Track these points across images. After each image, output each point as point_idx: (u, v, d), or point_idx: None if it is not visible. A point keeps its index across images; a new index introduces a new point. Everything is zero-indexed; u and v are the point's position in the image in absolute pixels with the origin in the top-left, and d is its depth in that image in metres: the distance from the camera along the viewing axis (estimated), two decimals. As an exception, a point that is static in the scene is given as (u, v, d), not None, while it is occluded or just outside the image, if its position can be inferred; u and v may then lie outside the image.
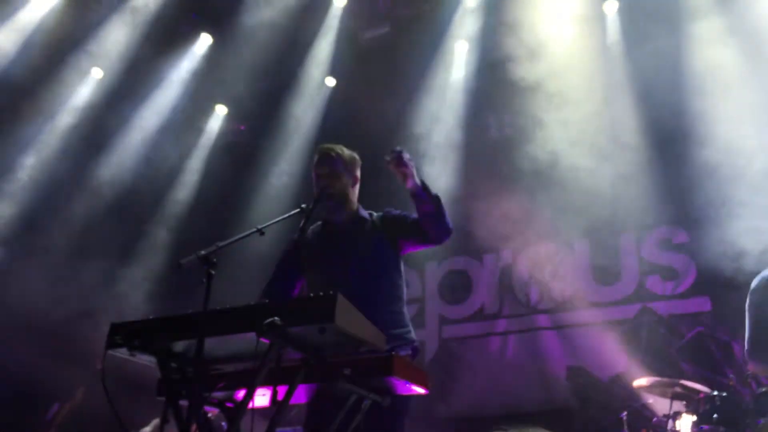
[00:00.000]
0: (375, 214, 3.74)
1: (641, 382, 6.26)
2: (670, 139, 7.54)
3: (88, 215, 8.29)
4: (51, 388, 7.49)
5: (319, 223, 3.79)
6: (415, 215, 3.58)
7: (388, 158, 3.42)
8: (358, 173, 3.76)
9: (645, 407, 6.60)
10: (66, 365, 7.16)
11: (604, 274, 8.15)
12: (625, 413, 6.22)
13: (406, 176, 3.41)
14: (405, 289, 3.65)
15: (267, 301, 2.72)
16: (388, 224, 3.66)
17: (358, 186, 3.76)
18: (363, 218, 3.68)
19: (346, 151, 3.72)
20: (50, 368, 7.13)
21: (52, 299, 7.41)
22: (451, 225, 3.55)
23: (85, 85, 8.41)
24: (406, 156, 3.41)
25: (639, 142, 7.70)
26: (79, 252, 8.06)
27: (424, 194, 3.44)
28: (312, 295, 2.56)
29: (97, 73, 8.42)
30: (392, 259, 3.62)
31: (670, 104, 7.38)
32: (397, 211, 3.72)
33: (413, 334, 3.57)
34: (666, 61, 7.47)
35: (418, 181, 3.43)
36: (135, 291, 8.44)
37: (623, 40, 7.83)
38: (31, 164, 8.15)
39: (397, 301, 3.56)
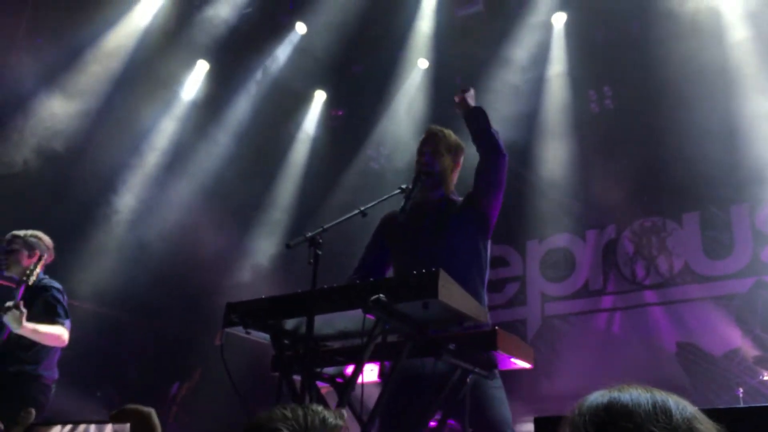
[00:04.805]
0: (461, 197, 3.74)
1: (759, 357, 6.04)
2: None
3: (199, 200, 8.70)
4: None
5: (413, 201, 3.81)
6: None
7: (456, 98, 3.70)
8: (461, 159, 3.79)
9: (763, 384, 6.35)
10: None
11: (715, 247, 7.85)
12: (741, 390, 6.01)
13: (468, 106, 3.66)
14: (488, 271, 3.62)
15: (372, 279, 2.81)
16: (467, 200, 3.65)
17: (458, 172, 3.79)
18: (453, 200, 3.69)
19: (453, 136, 3.77)
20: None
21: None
22: (503, 148, 3.62)
23: (194, 76, 8.82)
24: (470, 89, 3.71)
25: (752, 110, 7.32)
26: (190, 236, 8.50)
27: (474, 110, 3.65)
28: (415, 272, 2.62)
29: (203, 66, 8.81)
30: (477, 239, 3.58)
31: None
32: None
33: (488, 316, 3.47)
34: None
35: (474, 104, 3.68)
36: (249, 271, 8.81)
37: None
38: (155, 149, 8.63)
39: (479, 282, 3.52)
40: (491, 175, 3.55)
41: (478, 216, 3.58)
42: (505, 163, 3.57)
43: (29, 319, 4.44)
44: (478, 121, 3.59)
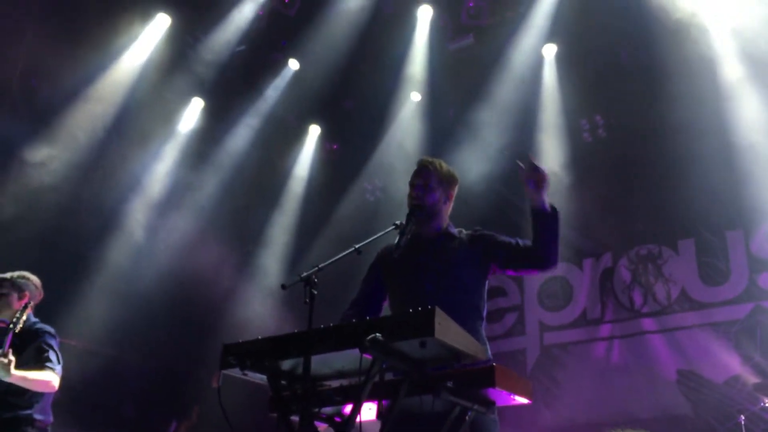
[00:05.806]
0: (464, 231, 3.67)
1: (759, 384, 6.01)
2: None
3: (196, 237, 8.69)
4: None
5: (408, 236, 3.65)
6: (506, 238, 3.53)
7: (522, 164, 3.35)
8: (454, 191, 3.71)
9: (765, 410, 6.31)
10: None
11: (711, 273, 7.86)
12: (743, 417, 5.98)
13: (538, 187, 3.34)
14: (486, 310, 3.56)
15: (368, 318, 2.80)
16: (477, 242, 3.58)
17: (451, 204, 3.71)
18: (451, 234, 3.63)
19: (445, 167, 3.68)
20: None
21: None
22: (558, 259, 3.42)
23: (189, 114, 8.89)
24: (544, 166, 3.34)
25: (744, 136, 7.37)
26: (187, 273, 8.47)
27: (550, 213, 3.36)
28: (411, 310, 2.61)
29: (198, 103, 8.87)
30: (477, 277, 3.54)
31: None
32: (489, 232, 3.62)
33: (489, 353, 3.41)
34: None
35: (547, 198, 3.36)
36: (247, 307, 8.76)
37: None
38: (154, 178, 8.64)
39: (477, 319, 3.48)
40: (528, 267, 3.53)
41: (485, 262, 3.55)
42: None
43: (20, 364, 4.37)
44: (551, 224, 3.38)
